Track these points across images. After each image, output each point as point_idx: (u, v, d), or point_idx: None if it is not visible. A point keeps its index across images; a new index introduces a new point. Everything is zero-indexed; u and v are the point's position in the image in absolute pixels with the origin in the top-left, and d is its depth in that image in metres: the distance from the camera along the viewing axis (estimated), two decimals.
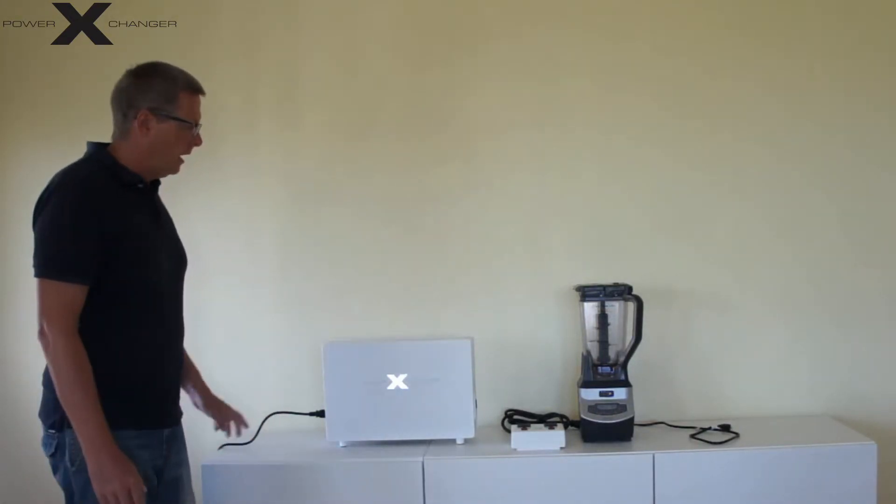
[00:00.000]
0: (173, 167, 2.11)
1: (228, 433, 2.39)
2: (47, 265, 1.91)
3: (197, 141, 2.10)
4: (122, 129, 2.04)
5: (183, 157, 2.11)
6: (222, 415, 2.38)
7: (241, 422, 2.41)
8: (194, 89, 2.07)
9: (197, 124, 2.08)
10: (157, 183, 2.15)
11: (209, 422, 2.52)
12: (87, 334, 1.93)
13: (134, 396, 2.00)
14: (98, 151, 2.04)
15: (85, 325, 1.94)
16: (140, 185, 2.05)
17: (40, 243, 1.94)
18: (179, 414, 2.18)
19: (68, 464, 1.95)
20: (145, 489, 1.94)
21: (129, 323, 1.99)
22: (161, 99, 2.02)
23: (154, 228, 2.09)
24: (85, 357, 1.90)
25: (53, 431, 1.97)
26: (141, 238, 2.02)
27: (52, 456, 1.98)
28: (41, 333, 1.91)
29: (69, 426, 1.92)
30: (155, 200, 2.13)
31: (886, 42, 2.83)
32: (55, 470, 1.98)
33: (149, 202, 2.10)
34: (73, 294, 1.90)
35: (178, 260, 2.18)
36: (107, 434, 1.89)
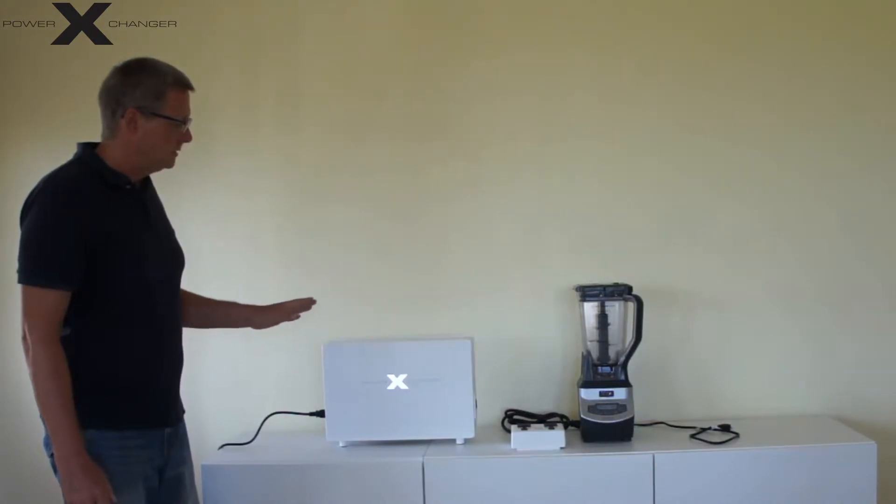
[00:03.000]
0: (166, 162, 2.08)
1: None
2: (28, 271, 1.91)
3: (186, 137, 2.07)
4: (110, 126, 2.01)
5: (179, 150, 2.08)
6: (286, 313, 2.39)
7: (306, 306, 2.40)
8: (183, 85, 2.04)
9: (186, 120, 2.06)
10: (147, 182, 2.13)
11: (209, 422, 2.54)
12: (81, 335, 1.95)
13: (132, 396, 2.00)
14: (85, 153, 2.02)
15: (79, 325, 1.94)
16: (128, 186, 2.03)
17: (23, 249, 1.93)
18: (181, 412, 2.18)
19: None
20: (114, 499, 1.92)
21: (122, 323, 1.99)
22: (149, 97, 1.98)
23: (144, 228, 2.06)
24: (64, 366, 1.90)
25: None
26: (129, 239, 2.00)
27: (52, 455, 1.97)
28: (23, 338, 1.92)
29: None
30: (145, 200, 2.09)
31: (881, 44, 2.84)
32: (55, 469, 1.97)
33: (138, 202, 2.06)
34: (55, 300, 1.90)
35: (172, 259, 2.17)
36: (79, 443, 1.89)
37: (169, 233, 2.19)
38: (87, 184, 1.96)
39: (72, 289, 1.91)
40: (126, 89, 1.99)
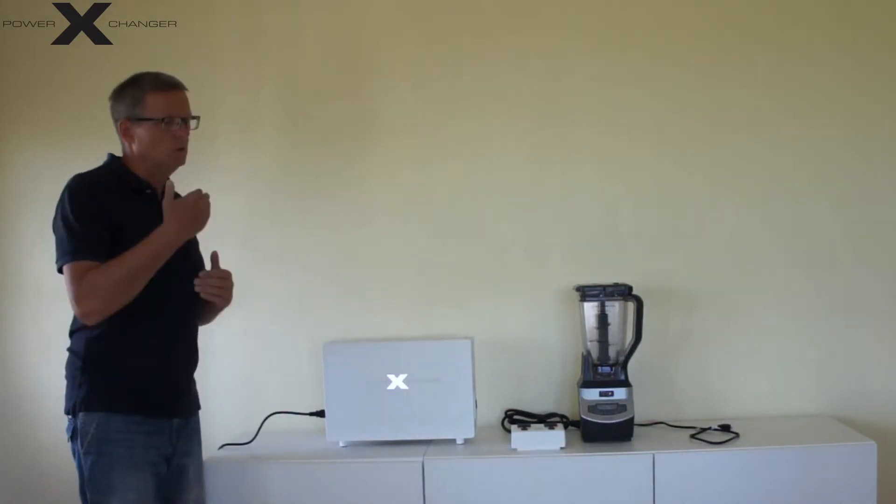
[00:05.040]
0: (170, 160, 2.19)
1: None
2: (63, 255, 2.03)
3: (178, 133, 2.16)
4: (120, 142, 2.18)
5: (179, 148, 2.18)
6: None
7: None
8: (160, 86, 2.14)
9: (169, 119, 2.13)
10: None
11: (210, 421, 2.53)
12: (100, 324, 2.04)
13: (138, 384, 2.10)
14: (112, 160, 2.18)
15: None
16: (148, 191, 2.17)
17: (56, 238, 2.06)
18: (194, 407, 2.29)
19: (79, 446, 2.06)
20: (205, 192, 2.15)
21: (132, 313, 2.07)
22: (131, 106, 2.13)
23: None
24: (102, 265, 2.01)
25: (70, 417, 2.09)
26: (142, 233, 2.09)
27: (70, 440, 2.09)
28: (78, 302, 2.00)
29: (80, 411, 2.06)
30: (162, 206, 2.19)
31: (885, 40, 2.83)
32: (74, 453, 2.09)
33: (156, 207, 2.18)
34: (89, 268, 2.01)
35: (187, 261, 2.24)
36: (160, 235, 2.08)
37: (188, 240, 2.28)
38: (110, 183, 2.14)
39: (102, 262, 2.02)
40: (116, 105, 2.17)
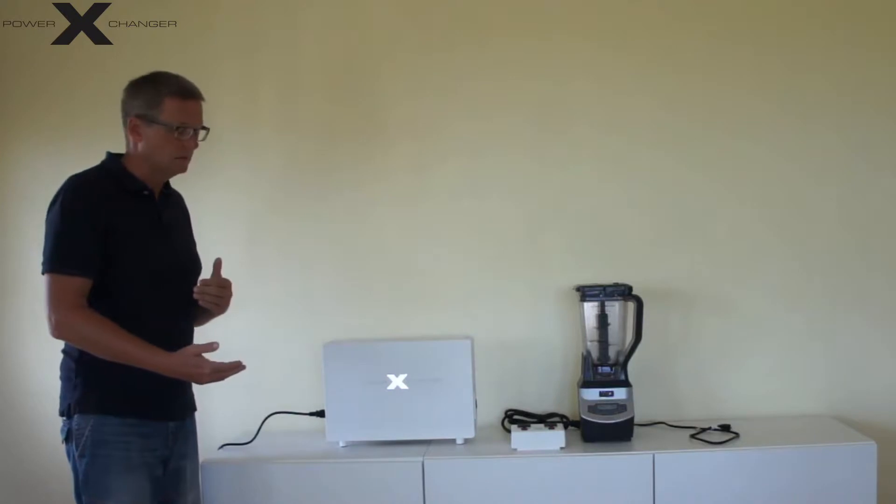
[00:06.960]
0: (171, 167, 2.17)
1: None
2: (49, 261, 2.02)
3: (188, 144, 2.15)
4: (125, 137, 2.15)
5: (184, 156, 2.16)
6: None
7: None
8: (182, 94, 2.12)
9: (182, 127, 2.12)
10: (169, 194, 2.25)
11: (210, 422, 2.54)
12: None
13: (132, 387, 2.07)
14: (109, 160, 2.16)
15: None
16: (145, 192, 2.15)
17: (45, 242, 2.04)
18: (190, 409, 2.28)
19: (73, 448, 2.06)
20: (216, 346, 2.07)
21: (125, 315, 2.05)
22: (146, 105, 2.10)
23: (154, 232, 2.16)
24: (100, 316, 2.01)
25: (64, 418, 2.09)
26: (137, 237, 2.10)
27: (64, 442, 2.08)
28: (55, 326, 2.00)
29: (75, 413, 2.04)
30: (160, 208, 2.19)
31: (883, 41, 2.83)
32: (69, 455, 2.08)
33: (153, 208, 2.17)
34: (75, 286, 2.00)
35: (184, 264, 2.24)
36: (162, 355, 2.03)
37: (186, 241, 2.30)
38: (104, 184, 2.09)
39: (90, 276, 2.02)
40: (130, 100, 2.13)
